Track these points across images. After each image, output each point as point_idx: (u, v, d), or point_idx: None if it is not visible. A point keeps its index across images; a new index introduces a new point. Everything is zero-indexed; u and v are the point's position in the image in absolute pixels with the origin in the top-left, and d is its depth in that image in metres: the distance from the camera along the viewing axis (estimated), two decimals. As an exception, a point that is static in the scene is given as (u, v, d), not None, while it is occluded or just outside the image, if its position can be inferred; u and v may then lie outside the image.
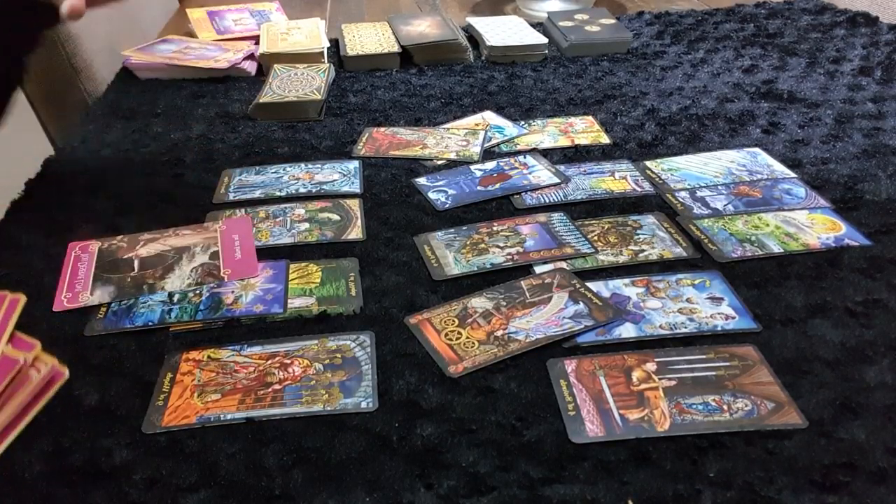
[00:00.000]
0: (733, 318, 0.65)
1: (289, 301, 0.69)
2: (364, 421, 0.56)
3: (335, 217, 0.82)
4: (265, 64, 1.23)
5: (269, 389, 0.59)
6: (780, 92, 1.10)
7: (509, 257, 0.74)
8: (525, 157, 0.94)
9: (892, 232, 0.77)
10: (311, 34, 1.31)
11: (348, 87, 1.17)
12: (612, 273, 0.72)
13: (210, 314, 0.67)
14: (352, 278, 0.72)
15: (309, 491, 0.51)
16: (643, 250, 0.75)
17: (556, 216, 0.80)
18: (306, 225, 0.80)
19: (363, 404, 0.57)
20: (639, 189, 0.86)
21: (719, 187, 0.86)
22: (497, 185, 0.87)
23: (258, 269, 0.72)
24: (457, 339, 0.64)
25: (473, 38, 1.33)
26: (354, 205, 0.84)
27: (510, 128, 1.02)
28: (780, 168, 0.89)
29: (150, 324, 0.66)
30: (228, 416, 0.57)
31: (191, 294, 0.70)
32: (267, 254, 0.76)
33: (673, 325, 0.64)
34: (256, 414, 0.57)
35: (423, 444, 0.54)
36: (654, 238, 0.76)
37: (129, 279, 0.72)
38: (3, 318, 0.59)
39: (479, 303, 0.68)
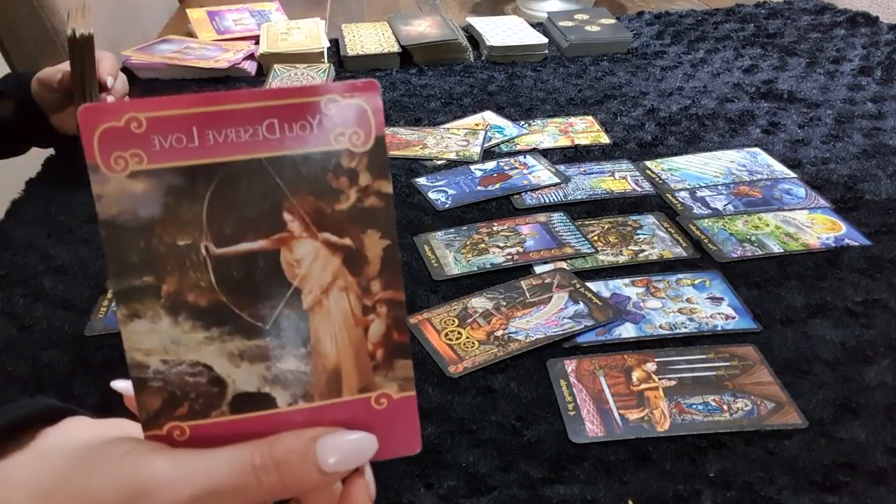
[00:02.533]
0: (733, 318, 0.65)
1: (289, 301, 0.69)
2: (364, 421, 0.56)
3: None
4: (265, 64, 1.23)
5: (270, 389, 0.58)
6: (780, 92, 1.10)
7: (509, 257, 0.74)
8: (525, 157, 0.94)
9: (892, 232, 0.77)
10: (311, 34, 1.31)
11: (348, 87, 1.17)
12: (612, 273, 0.72)
13: (210, 314, 0.67)
14: (352, 278, 0.71)
15: (309, 491, 0.51)
16: (643, 250, 0.75)
17: (556, 216, 0.80)
18: (306, 225, 0.80)
19: (363, 404, 0.57)
20: (639, 189, 0.86)
21: (719, 187, 0.86)
22: (497, 185, 0.87)
23: None
24: (457, 339, 0.64)
25: (473, 38, 1.33)
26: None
27: (510, 128, 1.02)
28: (780, 168, 0.89)
29: (150, 324, 0.66)
30: (228, 416, 0.56)
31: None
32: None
33: (673, 325, 0.64)
34: (256, 414, 0.56)
35: (423, 444, 0.54)
36: (654, 238, 0.76)
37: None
38: None
39: (479, 303, 0.68)
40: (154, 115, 0.30)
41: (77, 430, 0.35)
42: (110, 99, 0.84)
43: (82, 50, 0.79)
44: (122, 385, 0.32)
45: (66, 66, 0.83)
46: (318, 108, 0.31)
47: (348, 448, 0.32)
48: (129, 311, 0.31)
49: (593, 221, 0.80)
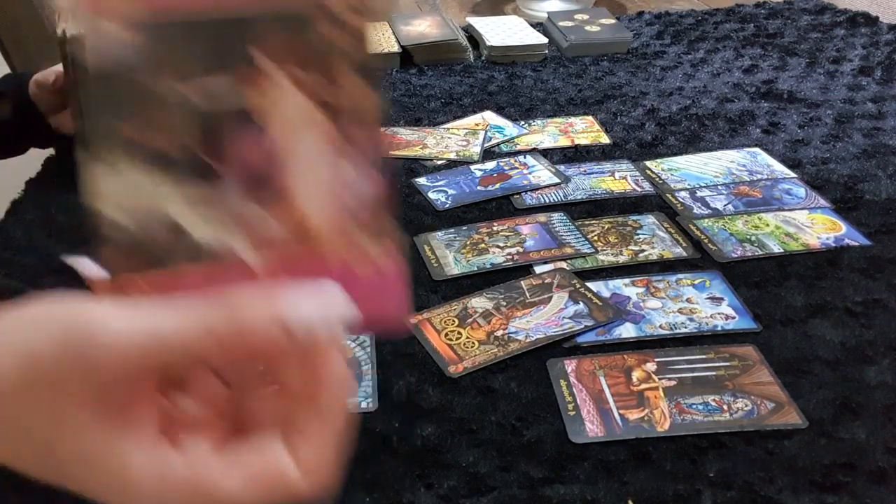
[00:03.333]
0: (733, 318, 0.65)
1: (289, 301, 0.69)
2: (364, 421, 0.56)
3: (335, 217, 0.82)
4: (265, 64, 1.23)
5: (270, 389, 0.58)
6: (780, 92, 1.10)
7: (509, 257, 0.74)
8: (525, 157, 0.94)
9: (892, 232, 0.77)
10: (311, 34, 1.31)
11: (348, 87, 1.17)
12: (612, 273, 0.72)
13: (210, 314, 0.67)
14: (352, 278, 0.71)
15: (309, 491, 0.51)
16: (643, 250, 0.75)
17: (556, 216, 0.80)
18: (306, 225, 0.80)
19: (363, 404, 0.57)
20: (639, 189, 0.86)
21: (719, 187, 0.86)
22: (497, 185, 0.87)
23: None
24: (457, 339, 0.64)
25: (473, 38, 1.33)
26: (354, 205, 0.84)
27: (510, 128, 1.02)
28: (780, 168, 0.89)
29: (150, 324, 0.65)
30: (228, 416, 0.56)
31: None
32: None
33: (673, 325, 0.64)
34: (256, 414, 0.56)
35: (423, 444, 0.54)
36: (654, 238, 0.76)
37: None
38: None
39: (479, 303, 0.68)
40: None
41: (27, 302, 0.30)
42: None
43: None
44: (77, 260, 0.30)
45: (61, 67, 0.83)
46: None
47: (317, 307, 0.27)
48: (91, 154, 0.29)
49: (593, 221, 0.80)
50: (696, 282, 0.70)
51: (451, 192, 0.87)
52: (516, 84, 1.17)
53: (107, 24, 0.29)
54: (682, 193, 0.85)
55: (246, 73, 0.29)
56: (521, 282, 0.71)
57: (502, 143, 0.99)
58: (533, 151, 0.95)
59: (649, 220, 0.80)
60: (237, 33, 0.28)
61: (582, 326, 0.64)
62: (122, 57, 0.29)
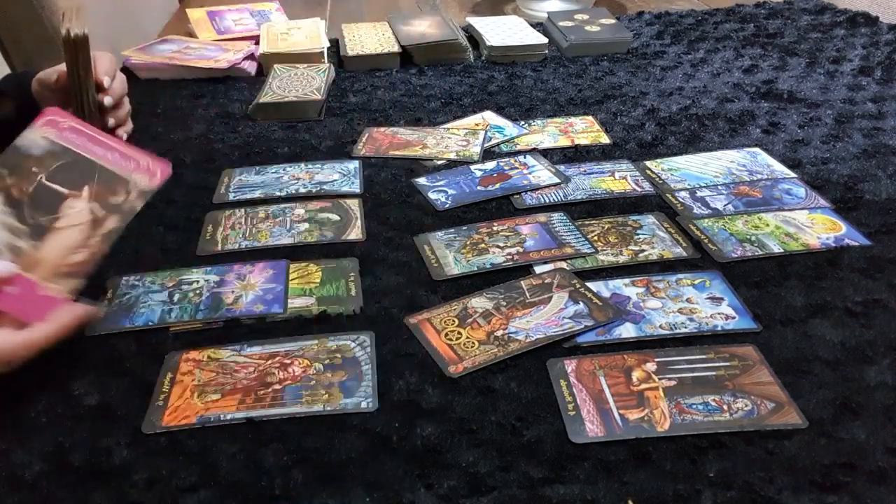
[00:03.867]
0: (733, 318, 0.65)
1: (289, 301, 0.69)
2: (364, 421, 0.56)
3: (335, 217, 0.82)
4: (265, 64, 1.23)
5: (269, 389, 0.59)
6: (780, 92, 1.10)
7: (509, 257, 0.74)
8: (525, 157, 0.94)
9: (892, 232, 0.77)
10: (311, 34, 1.31)
11: (348, 87, 1.17)
12: (612, 273, 0.72)
13: (210, 314, 0.67)
14: (352, 278, 0.72)
15: (309, 491, 0.51)
16: (643, 250, 0.75)
17: (556, 216, 0.80)
18: (306, 225, 0.80)
19: (363, 404, 0.57)
20: (639, 189, 0.86)
21: (719, 187, 0.86)
22: (497, 185, 0.87)
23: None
24: (457, 339, 0.64)
25: (473, 38, 1.33)
26: (354, 205, 0.84)
27: (510, 128, 1.02)
28: (780, 168, 0.89)
29: (150, 324, 0.66)
30: (228, 416, 0.57)
31: (191, 294, 0.70)
32: (267, 254, 0.76)
33: (673, 325, 0.64)
34: (256, 414, 0.57)
35: (423, 444, 0.54)
36: (654, 238, 0.76)
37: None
38: None
39: (479, 303, 0.68)
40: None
41: None
42: (108, 100, 0.84)
43: (77, 50, 0.79)
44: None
45: (63, 66, 0.83)
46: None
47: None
48: None
49: (593, 221, 0.80)
50: (696, 282, 0.70)
51: (451, 192, 0.87)
52: (516, 84, 1.17)
53: (46, 132, 0.66)
54: (682, 193, 0.85)
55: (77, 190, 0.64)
56: (521, 282, 0.71)
57: (502, 143, 0.99)
58: (533, 151, 0.95)
59: (649, 220, 0.80)
60: (83, 173, 0.65)
61: (582, 326, 0.64)
62: (39, 147, 0.65)
